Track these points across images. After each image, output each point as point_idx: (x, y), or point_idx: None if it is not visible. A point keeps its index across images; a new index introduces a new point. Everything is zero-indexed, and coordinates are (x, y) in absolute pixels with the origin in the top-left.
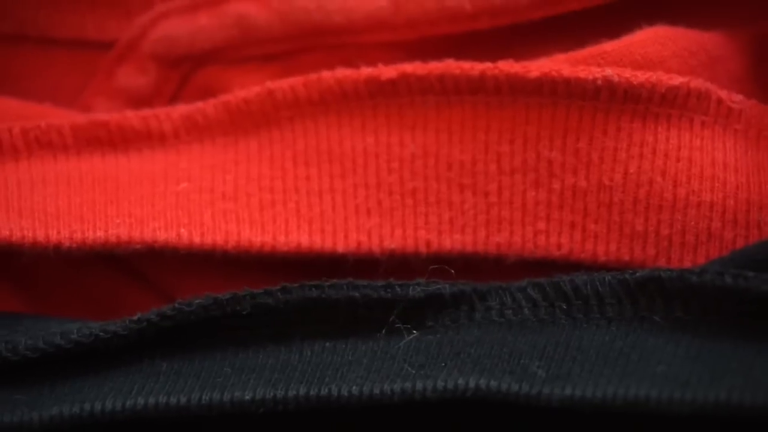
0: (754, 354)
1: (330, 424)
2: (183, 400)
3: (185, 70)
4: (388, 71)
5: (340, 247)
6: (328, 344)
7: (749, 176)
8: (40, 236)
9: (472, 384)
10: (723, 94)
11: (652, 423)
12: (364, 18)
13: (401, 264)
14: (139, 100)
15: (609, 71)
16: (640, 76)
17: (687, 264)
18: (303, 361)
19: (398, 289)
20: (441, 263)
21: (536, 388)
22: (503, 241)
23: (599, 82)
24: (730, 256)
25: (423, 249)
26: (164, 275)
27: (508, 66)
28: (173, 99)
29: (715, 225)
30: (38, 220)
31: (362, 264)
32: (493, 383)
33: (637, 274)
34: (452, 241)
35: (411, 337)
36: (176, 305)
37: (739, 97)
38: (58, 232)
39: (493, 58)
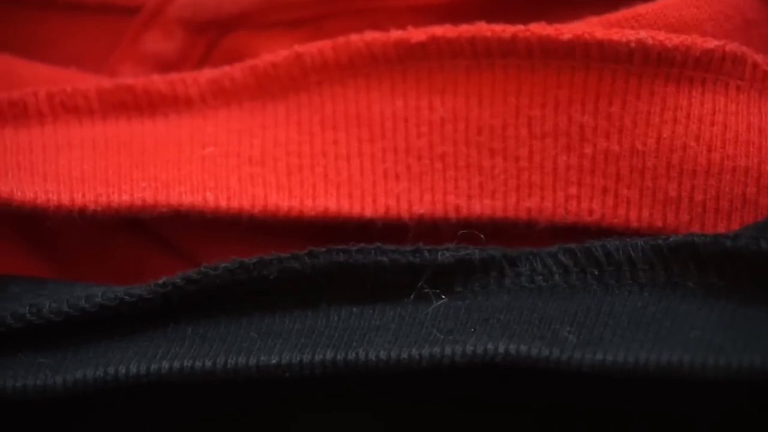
0: None
1: (358, 389)
2: (208, 364)
3: (212, 36)
4: (417, 34)
5: (368, 212)
6: (355, 309)
7: None
8: (65, 199)
9: (501, 349)
10: (759, 58)
11: (683, 391)
12: None
13: (430, 229)
14: (165, 66)
15: (643, 34)
16: (675, 39)
17: (721, 230)
18: (330, 326)
19: (427, 254)
20: (471, 229)
21: (567, 353)
22: (534, 207)
23: (633, 44)
24: (765, 221)
25: (452, 214)
26: (189, 241)
27: (540, 29)
28: (200, 64)
29: (750, 190)
30: (63, 183)
31: (391, 229)
32: (523, 348)
33: (671, 240)
34: (482, 206)
35: (439, 302)
36: (202, 269)
37: None
38: (83, 195)
39: (525, 22)
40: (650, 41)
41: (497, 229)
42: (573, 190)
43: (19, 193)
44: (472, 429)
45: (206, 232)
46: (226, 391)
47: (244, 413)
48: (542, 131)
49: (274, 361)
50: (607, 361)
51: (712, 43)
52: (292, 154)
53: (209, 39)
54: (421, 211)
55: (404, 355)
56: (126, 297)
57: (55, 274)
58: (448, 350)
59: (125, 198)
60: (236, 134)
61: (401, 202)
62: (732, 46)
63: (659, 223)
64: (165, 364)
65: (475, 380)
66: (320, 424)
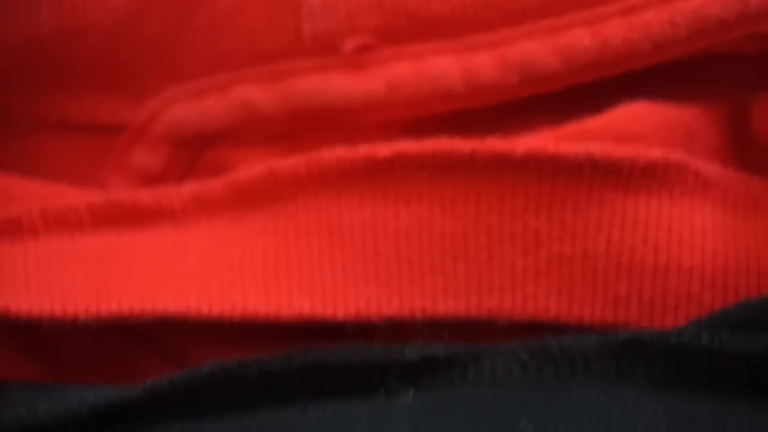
0: (729, 411)
1: None
2: None
3: (194, 150)
4: (383, 150)
5: (341, 315)
6: (330, 404)
7: (726, 242)
8: (58, 310)
9: None
10: (701, 164)
11: None
12: (362, 100)
13: (398, 327)
14: (151, 179)
15: (591, 147)
16: (621, 151)
17: (668, 324)
18: (306, 419)
19: (395, 353)
20: (436, 326)
21: None
22: (494, 306)
23: (582, 157)
24: (708, 317)
25: (419, 314)
26: (177, 343)
27: (496, 143)
28: (183, 176)
29: (695, 288)
30: (55, 295)
31: (362, 328)
32: None
33: (620, 336)
34: (446, 306)
35: (408, 396)
36: (186, 372)
37: (716, 167)
38: (75, 306)
39: (484, 133)
40: (598, 154)
41: (461, 326)
42: (530, 290)
43: (14, 307)
44: None
45: (192, 335)
46: None
47: None
48: (500, 236)
49: None
50: None
51: (656, 154)
52: (269, 261)
53: (192, 153)
54: (390, 312)
55: None
56: (115, 398)
57: (50, 377)
58: None
59: (114, 308)
60: (217, 244)
61: (371, 305)
62: (675, 155)
63: (611, 319)
64: None
65: None
66: None
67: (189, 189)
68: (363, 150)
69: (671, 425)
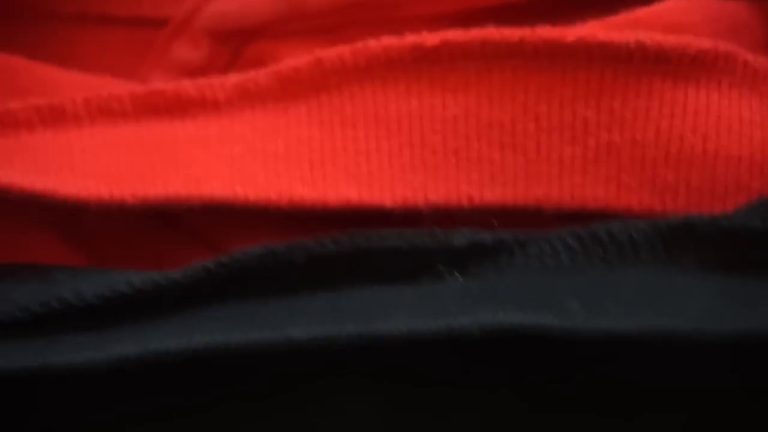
0: None
1: (373, 363)
2: (241, 339)
3: (236, 44)
4: (431, 38)
5: (387, 202)
6: (375, 289)
7: None
8: (105, 193)
9: (513, 320)
10: (749, 56)
11: (684, 360)
12: None
13: (445, 218)
14: (193, 73)
15: (641, 35)
16: (671, 40)
17: (717, 213)
18: (352, 305)
19: (442, 238)
20: (483, 216)
21: (574, 322)
22: (541, 195)
23: (632, 45)
24: (759, 202)
25: (465, 203)
26: (218, 234)
27: (545, 32)
28: (225, 71)
29: (743, 176)
30: (102, 179)
31: (408, 217)
32: (533, 318)
33: (671, 221)
34: (493, 194)
35: (454, 282)
36: (232, 254)
37: (764, 60)
38: (122, 190)
39: (532, 25)
40: (649, 42)
41: (507, 216)
42: (578, 179)
43: (62, 189)
44: (482, 401)
45: (234, 226)
46: (253, 371)
47: (272, 390)
48: (548, 125)
49: (302, 336)
50: (612, 329)
51: (706, 44)
52: (315, 150)
53: (233, 47)
54: (436, 200)
55: (422, 328)
56: (161, 281)
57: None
58: (462, 322)
59: (160, 192)
60: (261, 133)
61: (417, 193)
62: (724, 46)
63: (659, 208)
64: (200, 340)
65: (488, 355)
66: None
67: (233, 79)
68: (410, 39)
69: (725, 306)
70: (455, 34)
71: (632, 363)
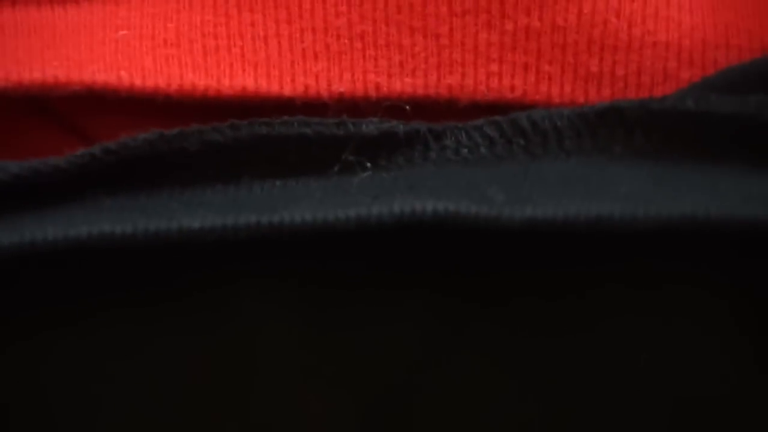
0: (718, 173)
1: (286, 262)
2: (128, 229)
3: None
4: None
5: (287, 91)
6: (278, 182)
7: (704, 17)
8: None
9: (429, 208)
10: None
11: (612, 248)
12: None
13: (351, 110)
14: None
15: None
16: None
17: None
18: (253, 196)
19: (351, 126)
20: (392, 108)
21: (495, 209)
22: (455, 84)
23: None
24: (690, 87)
25: (373, 92)
26: (101, 128)
27: None
28: None
29: (671, 65)
30: None
31: (310, 109)
32: (451, 206)
33: (597, 107)
34: (403, 84)
35: (365, 173)
36: (121, 140)
37: None
38: None
39: None
40: None
41: (419, 108)
42: (494, 67)
43: None
44: (397, 297)
45: (117, 119)
46: (155, 267)
47: (169, 284)
48: (462, 8)
49: (196, 226)
50: (537, 215)
51: None
52: (208, 35)
53: None
54: (341, 89)
55: (330, 217)
56: (41, 167)
57: None
58: (375, 210)
59: (36, 75)
60: (150, 18)
61: (320, 81)
62: None
63: (581, 99)
64: (83, 230)
65: (401, 248)
66: (252, 292)
67: None
68: None
69: (657, 190)
70: None
71: (556, 254)
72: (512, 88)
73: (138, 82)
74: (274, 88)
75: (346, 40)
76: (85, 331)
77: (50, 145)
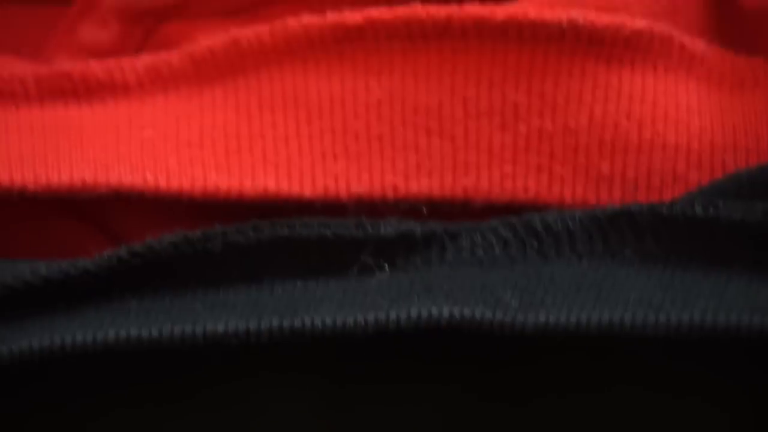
0: (725, 279)
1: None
2: (154, 332)
3: (148, 25)
4: (353, 17)
5: (308, 192)
6: (299, 282)
7: (712, 119)
8: (5, 179)
9: (446, 313)
10: (686, 39)
11: (624, 352)
12: None
13: (369, 210)
14: (101, 56)
15: (574, 13)
16: (605, 19)
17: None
18: (275, 297)
19: (369, 228)
20: (409, 209)
21: (510, 315)
22: (470, 185)
23: (564, 24)
24: (699, 191)
25: (390, 193)
26: (128, 227)
27: (474, 9)
28: (136, 53)
29: (680, 167)
30: (2, 163)
31: (330, 210)
32: (467, 311)
33: (608, 210)
34: (419, 185)
35: (382, 274)
36: (147, 242)
37: (701, 44)
38: (23, 176)
39: (459, 3)
40: (581, 21)
41: (435, 208)
42: (508, 169)
43: None
44: (416, 391)
45: (143, 218)
46: (176, 362)
47: (194, 383)
48: (477, 110)
49: (220, 329)
50: (550, 322)
51: (641, 24)
52: (231, 136)
53: (145, 28)
54: (360, 190)
55: (350, 321)
56: (71, 269)
57: None
58: (393, 315)
59: (65, 178)
60: (174, 118)
61: (339, 182)
62: (660, 28)
63: (593, 200)
64: (111, 333)
65: (420, 348)
66: (269, 385)
67: (144, 61)
68: (331, 17)
69: (666, 296)
70: (379, 13)
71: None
72: (526, 189)
73: (163, 183)
74: (295, 189)
75: (364, 141)
76: (108, 426)
77: (76, 241)
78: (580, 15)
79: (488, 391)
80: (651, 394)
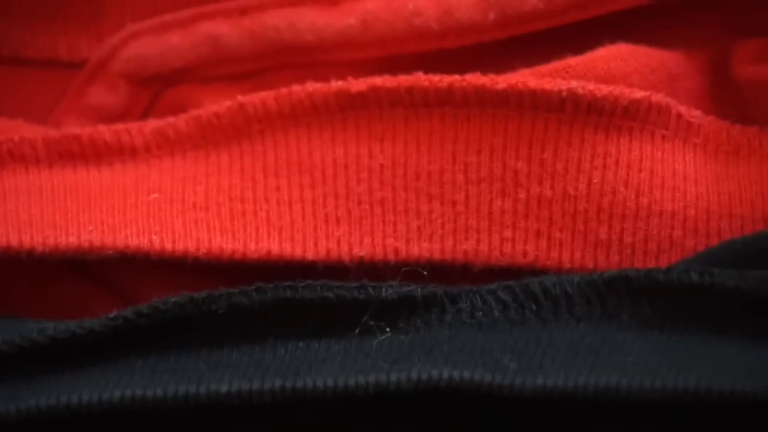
0: (721, 345)
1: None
2: (159, 392)
3: (156, 89)
4: (357, 84)
5: (310, 255)
6: (301, 344)
7: (708, 187)
8: (14, 241)
9: (445, 375)
10: (682, 109)
11: (621, 415)
12: (333, 36)
13: (370, 272)
14: (109, 119)
15: (573, 84)
16: (604, 89)
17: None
18: (277, 358)
19: (371, 290)
20: (409, 272)
21: (508, 378)
22: (470, 249)
23: (564, 94)
24: (695, 257)
25: (392, 257)
26: (134, 286)
27: (475, 78)
28: (143, 117)
29: (677, 233)
30: (11, 226)
31: (332, 272)
32: (466, 374)
33: (605, 275)
34: (420, 249)
35: (384, 336)
36: (152, 303)
37: (697, 113)
38: (32, 238)
39: (461, 74)
40: (581, 91)
41: (435, 272)
42: (508, 233)
43: None
44: None
45: (151, 279)
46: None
47: None
48: (478, 177)
49: (223, 390)
50: (548, 385)
51: (638, 94)
52: (235, 199)
53: (153, 92)
54: (361, 253)
55: (351, 382)
56: (77, 329)
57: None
58: (393, 377)
59: (72, 240)
60: (180, 181)
61: (342, 245)
62: (657, 97)
63: (591, 265)
64: (116, 393)
65: (419, 410)
66: None
67: (151, 125)
68: (336, 85)
69: (662, 361)
70: (382, 80)
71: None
72: (525, 254)
73: (168, 246)
74: (298, 252)
75: (366, 206)
76: None
77: (83, 301)
78: (579, 85)
79: None
80: None
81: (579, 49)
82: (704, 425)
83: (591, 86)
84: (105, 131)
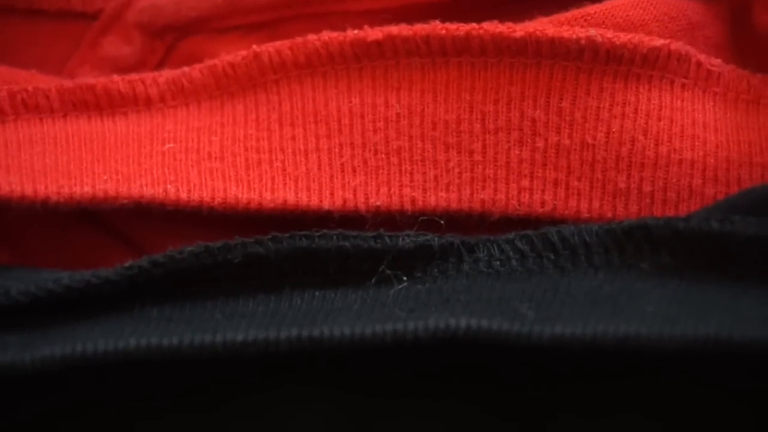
0: (740, 293)
1: (324, 368)
2: (174, 341)
3: (170, 40)
4: (374, 33)
5: (326, 204)
6: (318, 293)
7: (728, 136)
8: (28, 191)
9: (463, 324)
10: (702, 57)
11: (638, 365)
12: None
13: (387, 222)
14: (124, 70)
15: (592, 32)
16: (623, 37)
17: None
18: (293, 307)
19: (388, 240)
20: (426, 221)
21: (527, 327)
22: (487, 199)
23: (583, 42)
24: (714, 206)
25: (408, 206)
26: (148, 237)
27: (492, 27)
28: (158, 68)
29: (696, 182)
30: (26, 176)
31: (348, 222)
32: (484, 323)
33: (624, 224)
34: (437, 198)
35: (401, 285)
36: (168, 253)
37: (717, 61)
38: (46, 187)
39: (478, 22)
40: (599, 39)
41: (452, 222)
42: (525, 183)
43: None
44: (434, 403)
45: (165, 229)
46: (196, 372)
47: (212, 393)
48: (495, 126)
49: (239, 339)
50: (566, 334)
51: (658, 42)
52: (251, 149)
53: (167, 43)
54: (378, 203)
55: (368, 331)
56: (93, 279)
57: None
58: (410, 326)
59: (87, 189)
60: (195, 131)
61: (358, 195)
62: (677, 45)
63: (609, 214)
64: (132, 342)
65: (437, 359)
66: (289, 399)
67: (166, 75)
68: (351, 34)
69: (681, 310)
70: (399, 29)
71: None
72: (543, 203)
73: (184, 195)
74: (314, 202)
75: (383, 155)
76: None
77: (98, 251)
78: (598, 33)
79: (506, 411)
80: (665, 415)
81: None
82: (722, 374)
83: (610, 34)
84: (119, 81)
